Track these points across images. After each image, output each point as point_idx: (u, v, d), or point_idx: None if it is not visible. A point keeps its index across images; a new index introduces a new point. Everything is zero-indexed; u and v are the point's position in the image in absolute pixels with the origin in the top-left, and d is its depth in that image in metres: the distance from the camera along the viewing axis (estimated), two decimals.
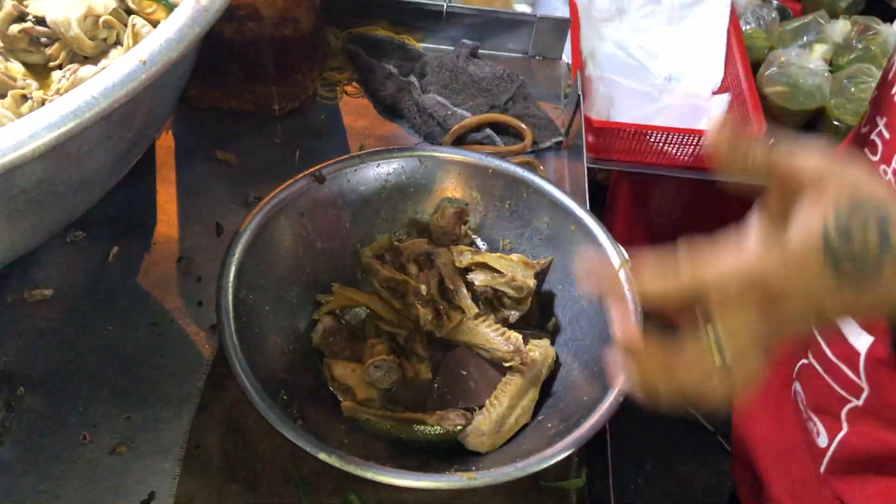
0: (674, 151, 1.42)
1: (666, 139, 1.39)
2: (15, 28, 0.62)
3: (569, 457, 0.67)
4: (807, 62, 1.50)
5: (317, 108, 1.07)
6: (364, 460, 0.63)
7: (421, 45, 1.15)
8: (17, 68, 0.62)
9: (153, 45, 0.53)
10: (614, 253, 0.78)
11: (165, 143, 1.00)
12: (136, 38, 0.62)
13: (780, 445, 0.88)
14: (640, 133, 1.38)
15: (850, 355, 0.74)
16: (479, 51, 1.14)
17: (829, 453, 0.79)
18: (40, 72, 0.63)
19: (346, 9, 1.13)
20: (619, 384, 0.68)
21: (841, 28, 1.57)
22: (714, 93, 1.55)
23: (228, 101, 1.02)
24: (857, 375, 0.74)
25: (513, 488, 0.74)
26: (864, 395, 0.74)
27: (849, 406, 0.76)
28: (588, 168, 0.99)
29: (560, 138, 1.04)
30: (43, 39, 0.62)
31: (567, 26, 1.15)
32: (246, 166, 0.98)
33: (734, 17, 1.57)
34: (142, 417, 0.76)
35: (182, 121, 1.02)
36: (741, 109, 1.45)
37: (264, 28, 0.95)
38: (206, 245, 0.90)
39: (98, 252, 0.87)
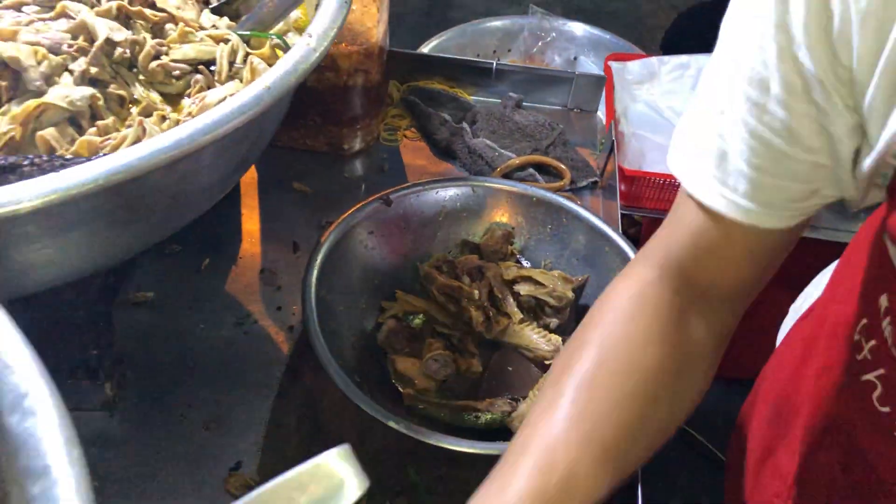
0: None
1: None
2: (154, 64, 0.76)
3: None
4: None
5: (380, 149, 1.21)
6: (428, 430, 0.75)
7: (472, 98, 1.30)
8: (154, 96, 0.76)
9: (275, 75, 0.68)
10: None
11: (248, 176, 1.14)
12: (254, 73, 0.77)
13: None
14: (669, 182, 1.51)
15: None
16: (524, 103, 1.28)
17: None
18: (173, 100, 0.78)
19: (406, 65, 1.29)
20: None
21: None
22: None
23: (305, 141, 1.17)
24: None
25: None
26: None
27: None
28: (621, 218, 1.11)
29: (595, 178, 1.17)
30: (175, 73, 0.77)
31: (602, 83, 1.29)
32: (319, 196, 1.12)
33: None
34: (229, 400, 0.88)
35: (264, 157, 1.17)
36: None
37: (340, 78, 1.11)
38: (285, 260, 1.03)
39: (192, 263, 1.01)
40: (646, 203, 1.56)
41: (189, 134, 0.60)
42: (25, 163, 0.60)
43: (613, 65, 1.64)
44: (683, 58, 1.75)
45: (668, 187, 1.54)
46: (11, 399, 0.36)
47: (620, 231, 0.98)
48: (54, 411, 0.34)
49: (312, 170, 1.16)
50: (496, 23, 2.21)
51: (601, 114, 1.33)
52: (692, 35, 2.09)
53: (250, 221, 1.08)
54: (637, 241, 1.95)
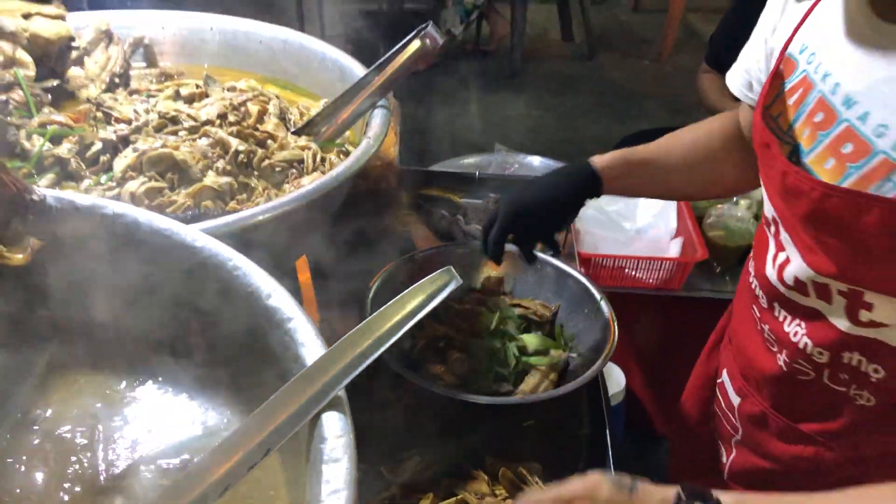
0: (643, 276, 1.95)
1: (637, 265, 1.92)
2: (265, 163, 1.17)
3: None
4: (736, 212, 2.07)
5: (396, 235, 1.61)
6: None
7: (461, 199, 1.72)
8: (265, 183, 1.16)
9: (347, 164, 1.08)
10: (594, 290, 1.28)
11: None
12: (331, 165, 1.17)
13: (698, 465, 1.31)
14: (619, 261, 1.92)
15: (731, 407, 1.20)
16: (500, 202, 1.70)
17: (727, 469, 1.23)
18: (277, 186, 1.17)
19: (411, 178, 1.71)
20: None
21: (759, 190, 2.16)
22: (671, 238, 2.10)
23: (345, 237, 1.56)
24: (736, 420, 1.19)
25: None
26: (740, 433, 1.19)
27: (734, 438, 1.20)
28: None
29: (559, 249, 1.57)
30: (278, 169, 1.17)
31: None
32: (355, 271, 1.50)
33: None
34: None
35: None
36: (690, 248, 2.00)
37: (369, 184, 1.52)
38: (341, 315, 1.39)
39: None
40: (601, 281, 1.96)
41: (295, 196, 1.00)
42: (207, 213, 0.99)
43: None
44: None
45: (617, 269, 1.95)
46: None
47: (577, 267, 1.37)
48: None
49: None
50: (470, 160, 2.69)
51: None
52: None
53: (307, 290, 1.45)
54: None
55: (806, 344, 0.97)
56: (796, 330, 0.98)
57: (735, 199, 2.20)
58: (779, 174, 0.91)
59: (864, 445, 1.00)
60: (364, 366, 0.65)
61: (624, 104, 4.08)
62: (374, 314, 0.68)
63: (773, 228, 0.99)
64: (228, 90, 1.33)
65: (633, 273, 1.96)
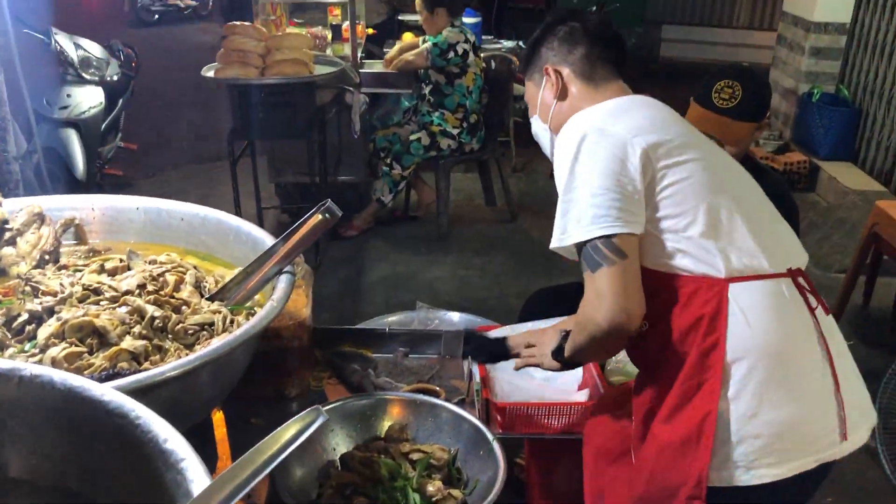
0: (554, 422, 2.07)
1: (549, 412, 2.05)
2: (178, 327, 1.29)
3: None
4: None
5: (312, 392, 1.72)
6: None
7: (373, 354, 1.84)
8: (177, 345, 1.28)
9: (249, 325, 1.22)
10: (487, 432, 1.40)
11: (217, 417, 1.62)
12: (239, 326, 1.30)
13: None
14: (531, 409, 2.04)
15: None
16: (409, 355, 1.84)
17: None
18: (190, 348, 1.29)
19: (325, 336, 1.84)
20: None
21: None
22: (579, 387, 2.24)
23: (259, 390, 1.67)
24: None
25: None
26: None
27: None
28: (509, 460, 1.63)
29: (462, 396, 1.70)
30: (190, 332, 1.30)
31: (461, 336, 1.87)
32: (269, 426, 1.59)
33: None
34: None
35: (229, 403, 1.65)
36: (596, 393, 2.14)
37: (282, 343, 1.65)
38: None
39: None
40: (518, 429, 2.07)
41: (199, 355, 1.12)
42: (121, 372, 1.10)
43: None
44: (528, 324, 2.37)
45: (530, 415, 2.07)
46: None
47: (476, 412, 1.49)
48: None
49: (264, 408, 1.65)
50: (394, 317, 2.83)
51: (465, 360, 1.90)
52: (539, 312, 2.75)
53: (222, 446, 1.54)
54: (525, 473, 2.41)
55: None
56: None
57: None
58: None
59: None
60: (242, 495, 0.76)
61: (544, 262, 4.32)
62: (251, 450, 0.79)
63: None
64: (150, 263, 1.47)
65: (546, 419, 2.07)
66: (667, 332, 1.39)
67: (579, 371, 2.31)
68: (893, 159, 5.09)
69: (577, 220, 1.38)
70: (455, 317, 2.92)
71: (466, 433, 1.45)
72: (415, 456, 1.40)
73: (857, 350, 1.36)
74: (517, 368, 1.71)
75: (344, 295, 4.13)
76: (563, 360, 1.56)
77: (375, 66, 4.85)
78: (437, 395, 1.70)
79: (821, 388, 1.38)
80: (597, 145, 1.40)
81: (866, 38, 5.47)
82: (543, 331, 1.72)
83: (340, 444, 1.46)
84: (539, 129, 1.70)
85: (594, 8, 7.42)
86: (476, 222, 5.10)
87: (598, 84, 1.59)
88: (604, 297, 1.34)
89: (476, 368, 1.80)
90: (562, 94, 1.62)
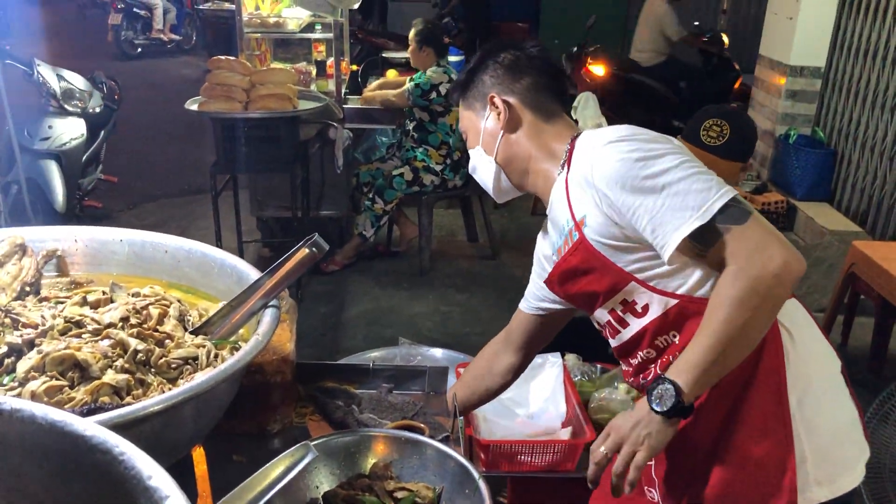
0: (537, 460, 2.05)
1: (532, 449, 2.03)
2: (161, 361, 1.27)
3: None
4: (617, 396, 2.23)
5: (294, 428, 1.69)
6: None
7: (357, 390, 1.82)
8: (160, 379, 1.26)
9: (234, 359, 1.20)
10: (473, 470, 1.39)
11: (199, 453, 1.58)
12: (223, 361, 1.28)
13: None
14: (514, 447, 2.02)
15: None
16: (394, 391, 1.82)
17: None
18: (174, 381, 1.27)
19: (308, 371, 1.82)
20: None
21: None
22: (563, 424, 2.23)
23: (241, 426, 1.64)
24: None
25: None
26: None
27: None
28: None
29: (447, 433, 1.68)
30: (174, 366, 1.28)
31: (446, 373, 1.86)
32: (251, 462, 1.56)
33: (567, 373, 2.33)
34: None
35: (211, 439, 1.62)
36: (580, 430, 2.13)
37: (265, 378, 1.62)
38: None
39: None
40: (502, 467, 2.05)
41: (182, 390, 1.11)
42: (103, 406, 1.08)
43: (461, 369, 2.23)
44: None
45: (514, 453, 2.05)
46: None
47: (461, 449, 1.48)
48: None
49: (247, 444, 1.62)
50: (376, 353, 2.82)
51: (449, 396, 1.88)
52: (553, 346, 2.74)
53: (202, 483, 1.50)
54: None
55: (641, 356, 1.50)
56: (632, 360, 1.54)
57: (615, 383, 2.37)
58: (554, 285, 1.60)
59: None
60: None
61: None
62: (242, 484, 0.77)
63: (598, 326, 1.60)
64: (133, 296, 1.45)
65: (530, 457, 2.06)
66: None
67: (562, 405, 2.30)
68: (869, 200, 5.17)
69: (705, 191, 1.28)
70: (438, 353, 2.90)
71: (452, 471, 1.43)
72: (399, 494, 1.37)
73: None
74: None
75: (325, 330, 4.10)
76: (684, 402, 1.26)
77: (358, 102, 4.88)
78: (421, 431, 1.68)
79: (849, 402, 1.48)
80: (648, 138, 1.38)
81: (840, 82, 5.59)
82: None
83: (324, 482, 1.43)
84: (481, 161, 1.61)
85: (575, 49, 7.54)
86: (458, 258, 5.11)
87: (548, 117, 1.55)
88: (770, 242, 1.26)
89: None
90: (509, 125, 1.54)
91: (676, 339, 1.43)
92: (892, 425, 2.52)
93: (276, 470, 0.81)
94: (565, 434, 2.19)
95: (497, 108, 1.55)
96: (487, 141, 1.58)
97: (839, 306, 3.99)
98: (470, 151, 1.65)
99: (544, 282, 1.65)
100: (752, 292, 1.25)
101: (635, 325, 1.48)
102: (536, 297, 1.76)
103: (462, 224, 5.34)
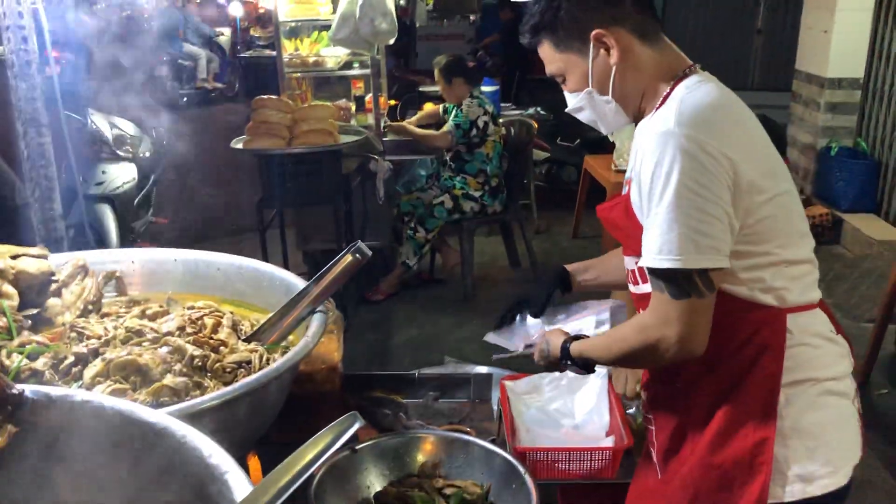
0: (574, 467, 2.06)
1: (569, 457, 2.05)
2: (217, 365, 1.34)
3: None
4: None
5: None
6: None
7: (403, 399, 1.87)
8: (217, 382, 1.32)
9: (285, 358, 1.26)
10: (519, 465, 1.42)
11: (254, 468, 1.64)
12: (271, 361, 1.35)
13: None
14: (552, 454, 2.04)
15: None
16: (440, 399, 1.86)
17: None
18: (228, 382, 1.34)
19: (356, 382, 1.88)
20: None
21: None
22: (606, 434, 2.24)
23: (290, 436, 1.69)
24: None
25: None
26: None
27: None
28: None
29: (493, 437, 1.72)
30: (228, 369, 1.34)
31: (489, 380, 1.90)
32: None
33: (611, 385, 2.34)
34: None
35: (265, 451, 1.68)
36: (619, 439, 2.14)
37: (314, 387, 1.68)
38: None
39: None
40: (539, 474, 2.06)
41: (238, 386, 1.17)
42: (164, 404, 1.15)
43: (507, 383, 2.26)
44: (556, 374, 2.38)
45: (552, 461, 2.06)
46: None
47: (508, 451, 1.51)
48: None
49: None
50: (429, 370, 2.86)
51: (493, 402, 1.92)
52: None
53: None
54: None
55: None
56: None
57: None
58: (604, 218, 1.57)
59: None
60: (286, 495, 0.79)
61: None
62: (292, 455, 0.83)
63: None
64: (188, 309, 1.53)
65: (567, 465, 2.07)
66: (717, 358, 1.38)
67: (605, 415, 2.31)
68: None
69: (678, 245, 1.28)
70: (483, 369, 2.94)
71: (498, 468, 1.46)
72: (448, 491, 1.41)
73: (892, 398, 1.39)
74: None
75: (372, 358, 4.16)
76: (571, 356, 1.56)
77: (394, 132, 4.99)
78: (468, 435, 1.71)
79: (850, 403, 1.46)
80: (703, 164, 1.27)
81: (881, 91, 5.55)
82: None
83: (375, 483, 1.48)
84: (592, 102, 1.46)
85: None
86: (500, 283, 5.15)
87: (654, 41, 1.42)
88: (674, 325, 1.31)
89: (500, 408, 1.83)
90: (623, 59, 1.40)
91: None
92: None
93: (324, 440, 0.86)
94: (608, 443, 2.20)
95: (607, 44, 1.39)
96: (600, 81, 1.43)
97: (890, 316, 3.92)
98: (569, 94, 1.50)
99: None
100: (640, 352, 1.40)
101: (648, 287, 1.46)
102: None
103: (503, 250, 5.39)
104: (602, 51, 1.40)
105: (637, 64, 1.41)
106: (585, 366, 1.59)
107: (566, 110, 1.54)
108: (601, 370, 2.39)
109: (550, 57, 1.46)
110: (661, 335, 1.34)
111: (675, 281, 1.30)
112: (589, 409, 2.33)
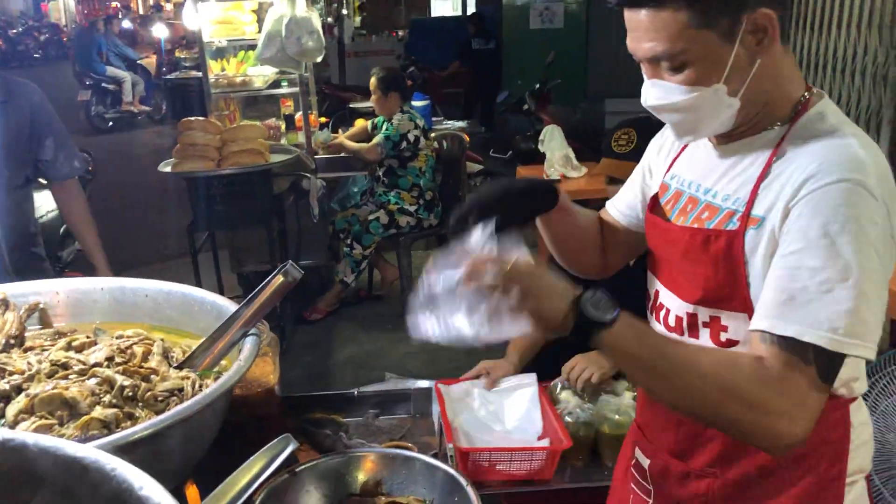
0: (515, 468, 2.08)
1: (511, 457, 2.06)
2: (148, 394, 1.31)
3: None
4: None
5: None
6: None
7: (344, 419, 1.86)
8: (148, 412, 1.29)
9: (218, 384, 1.24)
10: (461, 478, 1.42)
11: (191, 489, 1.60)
12: (204, 387, 1.32)
13: None
14: (493, 454, 2.05)
15: (643, 473, 1.42)
16: (380, 416, 1.86)
17: None
18: (160, 411, 1.31)
19: (295, 404, 1.86)
20: None
21: None
22: (539, 438, 2.27)
23: (229, 463, 1.66)
24: (648, 482, 1.39)
25: None
26: (652, 495, 1.40)
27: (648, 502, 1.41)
28: None
29: (435, 451, 1.72)
30: (160, 398, 1.31)
31: (429, 393, 1.90)
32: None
33: (544, 393, 2.37)
34: None
35: (203, 479, 1.64)
36: (557, 442, 2.16)
37: (251, 411, 1.66)
38: None
39: None
40: (479, 476, 2.07)
41: (170, 415, 1.15)
42: (93, 437, 1.12)
43: (441, 387, 2.26)
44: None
45: (492, 462, 2.07)
46: None
47: (448, 464, 1.51)
48: None
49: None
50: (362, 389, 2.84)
51: (434, 416, 1.92)
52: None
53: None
54: None
55: None
56: None
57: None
58: (662, 232, 1.32)
59: (739, 463, 1.25)
60: None
61: None
62: (226, 480, 0.81)
63: (653, 290, 1.38)
64: (117, 338, 1.49)
65: (508, 465, 2.08)
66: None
67: (538, 422, 2.34)
68: None
69: (871, 330, 1.05)
70: (424, 384, 2.94)
71: (441, 482, 1.46)
72: None
73: None
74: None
75: (313, 379, 4.12)
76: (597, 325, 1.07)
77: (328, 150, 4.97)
78: (409, 450, 1.71)
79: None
80: (892, 235, 1.08)
81: None
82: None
83: None
84: (712, 104, 1.14)
85: (538, 86, 7.73)
86: None
87: (786, 45, 1.17)
88: (809, 417, 1.06)
89: (441, 420, 1.83)
90: (771, 51, 1.13)
91: None
92: (869, 408, 2.57)
93: (259, 464, 0.85)
94: (542, 444, 2.23)
95: (761, 28, 1.10)
96: (734, 76, 1.12)
97: None
98: (678, 87, 1.14)
99: (647, 208, 1.41)
100: (746, 422, 1.07)
101: (703, 342, 1.24)
102: (629, 205, 1.52)
103: None
104: (751, 37, 1.10)
105: (778, 64, 1.15)
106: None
107: (651, 105, 1.21)
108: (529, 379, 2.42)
109: (676, 32, 1.09)
110: (792, 418, 1.05)
111: (829, 361, 1.06)
112: (519, 416, 2.36)
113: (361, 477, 1.51)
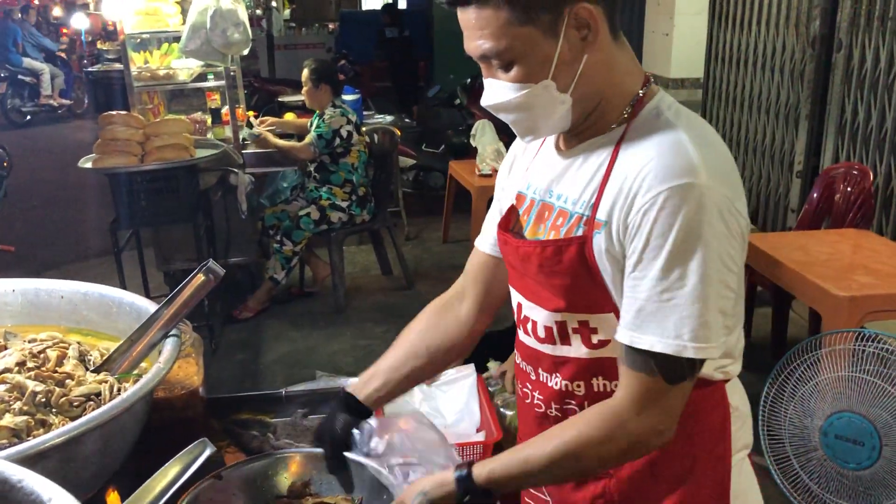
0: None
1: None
2: (62, 399, 1.26)
3: None
4: None
5: (211, 464, 1.67)
6: None
7: (272, 419, 1.82)
8: (62, 418, 1.24)
9: (136, 387, 1.20)
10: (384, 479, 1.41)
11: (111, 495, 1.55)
12: (123, 391, 1.28)
13: None
14: None
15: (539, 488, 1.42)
16: (309, 415, 1.83)
17: None
18: (76, 417, 1.26)
19: (220, 405, 1.81)
20: None
21: None
22: (477, 430, 2.28)
23: (152, 466, 1.62)
24: (546, 495, 1.41)
25: None
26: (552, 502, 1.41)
27: None
28: None
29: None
30: (76, 403, 1.26)
31: None
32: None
33: (482, 383, 2.38)
34: None
35: (123, 478, 1.59)
36: (490, 435, 2.17)
37: (175, 414, 1.61)
38: None
39: None
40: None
41: (83, 421, 1.10)
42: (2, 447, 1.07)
43: None
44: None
45: None
46: None
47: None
48: None
49: None
50: (292, 388, 2.80)
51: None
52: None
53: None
54: None
55: (565, 385, 1.26)
56: (556, 380, 1.27)
57: None
58: (514, 250, 1.28)
59: (630, 462, 1.26)
60: None
61: None
62: (141, 487, 0.79)
63: (516, 303, 1.34)
64: (29, 342, 1.43)
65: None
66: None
67: (476, 413, 2.35)
68: (757, 198, 5.46)
69: (713, 332, 1.09)
70: (356, 381, 2.92)
71: (368, 480, 1.45)
72: None
73: (742, 377, 1.32)
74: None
75: (243, 378, 4.05)
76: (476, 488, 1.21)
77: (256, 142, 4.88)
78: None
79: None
80: (731, 229, 1.09)
81: (719, 90, 5.92)
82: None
83: None
84: (543, 101, 1.14)
85: (469, 81, 7.74)
86: (373, 292, 5.13)
87: (617, 38, 1.17)
88: (672, 416, 1.13)
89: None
90: (593, 46, 1.13)
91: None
92: (789, 396, 2.66)
93: (174, 469, 0.82)
94: (480, 438, 2.24)
95: (583, 22, 1.10)
96: (562, 71, 1.12)
97: None
98: (508, 85, 1.15)
99: (498, 225, 1.35)
100: (616, 450, 1.16)
101: (577, 351, 1.25)
102: (493, 233, 1.42)
103: (374, 258, 5.38)
104: (575, 32, 1.10)
105: (608, 59, 1.15)
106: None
107: (487, 104, 1.20)
108: (468, 370, 2.42)
109: (499, 29, 1.09)
110: (650, 426, 1.13)
111: (675, 366, 1.10)
112: (459, 409, 2.36)
113: (289, 478, 1.48)
